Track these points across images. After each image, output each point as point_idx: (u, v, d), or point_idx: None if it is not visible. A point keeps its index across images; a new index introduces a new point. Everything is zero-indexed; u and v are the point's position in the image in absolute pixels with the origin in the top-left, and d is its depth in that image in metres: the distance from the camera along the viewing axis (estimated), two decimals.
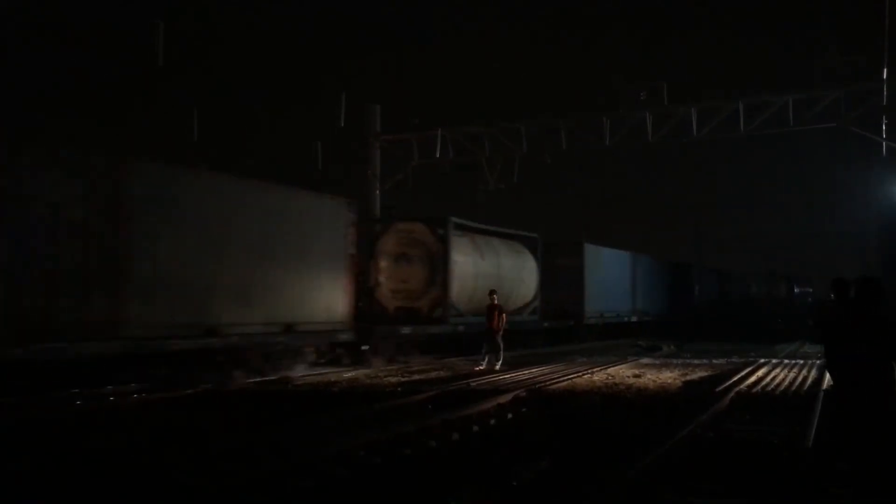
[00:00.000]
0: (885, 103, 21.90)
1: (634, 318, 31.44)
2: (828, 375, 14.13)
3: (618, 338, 28.58)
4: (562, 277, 25.75)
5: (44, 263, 11.02)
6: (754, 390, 13.33)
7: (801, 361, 19.22)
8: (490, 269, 21.21)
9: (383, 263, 19.59)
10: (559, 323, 25.61)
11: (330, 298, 16.15)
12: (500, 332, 17.26)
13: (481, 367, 16.65)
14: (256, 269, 14.26)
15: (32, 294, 10.89)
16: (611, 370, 16.93)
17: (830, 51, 22.46)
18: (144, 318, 12.14)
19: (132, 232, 12.09)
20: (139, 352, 12.14)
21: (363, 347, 17.31)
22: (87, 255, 11.51)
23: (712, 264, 49.67)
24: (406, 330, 18.65)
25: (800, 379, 15.23)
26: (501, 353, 17.20)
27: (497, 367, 16.66)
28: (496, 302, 17.62)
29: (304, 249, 15.49)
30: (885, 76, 21.57)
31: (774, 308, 51.33)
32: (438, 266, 19.36)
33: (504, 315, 17.55)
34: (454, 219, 20.04)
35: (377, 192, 27.05)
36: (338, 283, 16.42)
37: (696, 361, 19.62)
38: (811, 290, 64.92)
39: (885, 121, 22.26)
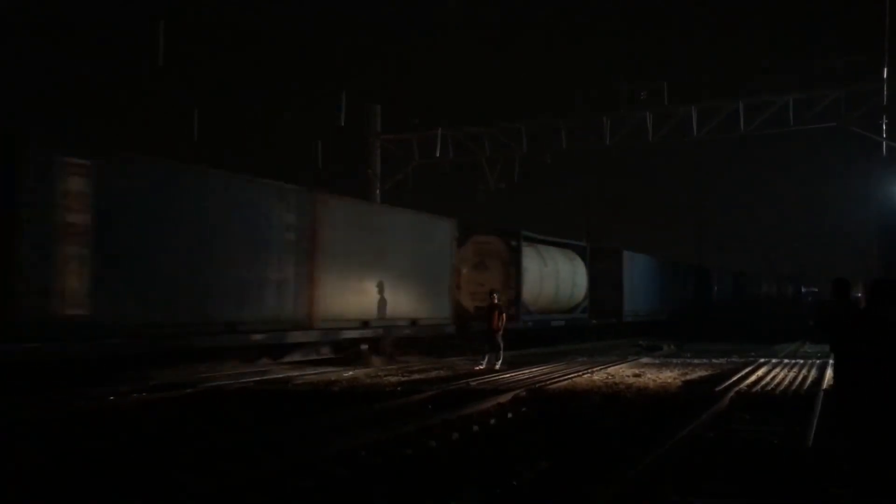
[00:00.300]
0: (885, 103, 21.91)
1: (664, 317, 34.17)
2: (828, 374, 14.18)
3: (618, 337, 28.64)
4: (603, 280, 28.49)
5: (275, 274, 14.77)
6: (754, 390, 13.33)
7: (801, 361, 19.21)
8: (551, 274, 24.79)
9: (464, 270, 22.31)
10: (603, 320, 28.47)
11: (439, 299, 19.93)
12: (501, 332, 17.26)
13: (481, 367, 16.65)
14: (402, 277, 18.45)
15: (272, 296, 14.75)
16: (611, 370, 16.93)
17: (831, 51, 22.49)
18: (328, 315, 16.15)
19: (324, 252, 16.02)
20: (327, 339, 16.38)
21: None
22: (297, 268, 15.33)
23: (713, 264, 49.94)
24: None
25: (800, 379, 15.23)
26: (501, 352, 17.20)
27: (497, 367, 16.66)
28: (496, 301, 17.62)
29: (426, 260, 19.51)
30: (885, 76, 21.57)
31: (783, 307, 51.97)
32: (511, 271, 22.61)
33: (504, 315, 17.56)
34: (525, 232, 23.51)
35: (377, 191, 27.07)
36: (444, 287, 20.20)
37: (696, 361, 19.61)
38: (816, 289, 65.13)
39: (885, 120, 22.27)
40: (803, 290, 62.17)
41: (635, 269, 31.41)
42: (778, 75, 23.86)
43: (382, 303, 17.85)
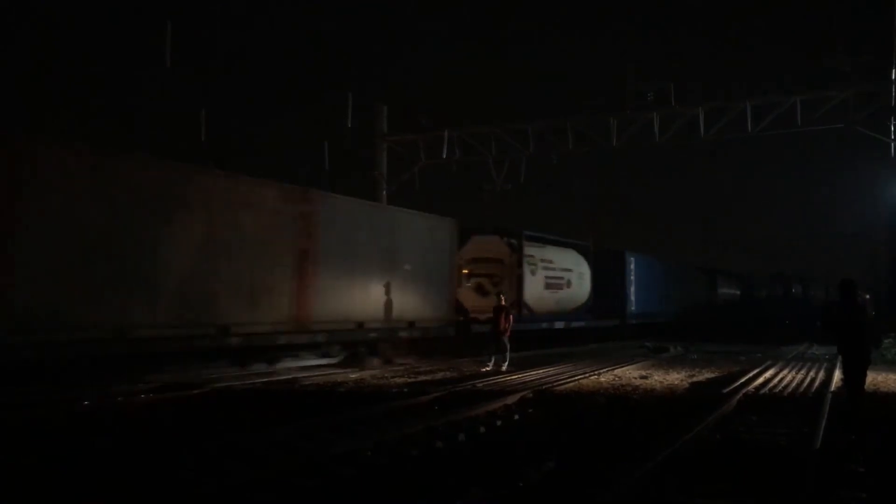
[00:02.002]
0: (893, 104, 21.80)
1: (670, 319, 34.33)
2: (836, 376, 14.13)
3: (624, 339, 28.61)
4: (607, 281, 28.58)
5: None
6: (762, 392, 13.29)
7: (809, 363, 19.16)
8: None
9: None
10: (606, 321, 28.51)
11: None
12: (508, 334, 17.24)
13: (488, 368, 16.64)
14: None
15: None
16: (617, 371, 16.91)
17: (838, 51, 22.33)
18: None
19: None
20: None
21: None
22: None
23: (720, 265, 49.91)
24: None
25: (807, 381, 15.18)
26: (508, 353, 17.18)
27: (504, 368, 16.65)
28: (503, 303, 17.60)
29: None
30: (893, 76, 21.48)
31: (790, 309, 52.00)
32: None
33: (511, 316, 17.55)
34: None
35: (384, 192, 27.05)
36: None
37: (703, 363, 19.57)
38: (823, 291, 64.97)
39: (892, 121, 22.16)
40: (811, 291, 62.01)
41: (640, 270, 31.58)
42: (785, 76, 23.77)
43: (388, 304, 17.81)
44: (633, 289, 30.56)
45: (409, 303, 18.51)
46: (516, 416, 10.24)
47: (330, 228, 16.14)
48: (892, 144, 22.24)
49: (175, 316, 12.80)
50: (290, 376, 14.63)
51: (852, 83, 22.25)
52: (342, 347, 16.91)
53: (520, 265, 22.71)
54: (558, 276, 25.08)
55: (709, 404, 11.06)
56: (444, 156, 26.34)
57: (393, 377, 15.10)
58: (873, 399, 11.83)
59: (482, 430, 9.13)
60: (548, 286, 24.28)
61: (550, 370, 16.69)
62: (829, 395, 12.03)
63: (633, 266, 30.81)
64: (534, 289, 23.47)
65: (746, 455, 7.81)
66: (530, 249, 23.50)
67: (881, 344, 20.24)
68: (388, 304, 17.77)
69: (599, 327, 27.92)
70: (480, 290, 22.18)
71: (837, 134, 23.76)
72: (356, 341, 17.04)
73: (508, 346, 17.23)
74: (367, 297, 17.21)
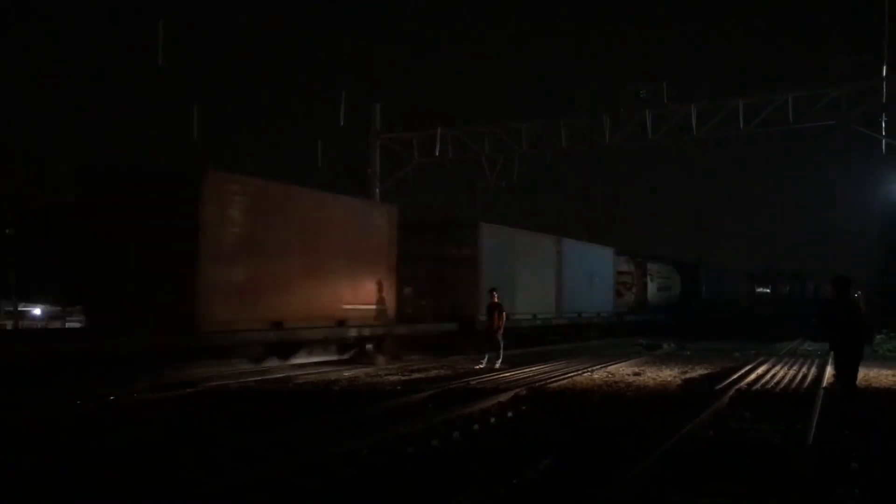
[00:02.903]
0: (884, 100, 21.89)
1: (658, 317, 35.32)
2: (828, 372, 14.19)
3: (618, 336, 28.67)
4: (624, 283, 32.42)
5: None
6: (754, 388, 13.35)
7: (801, 359, 19.24)
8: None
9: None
10: (627, 318, 31.50)
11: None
12: (501, 331, 17.26)
13: (481, 366, 16.66)
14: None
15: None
16: (611, 368, 16.95)
17: (832, 48, 22.45)
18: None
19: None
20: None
21: None
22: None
23: (714, 262, 50.09)
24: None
25: (800, 377, 15.25)
26: (501, 351, 17.20)
27: (497, 366, 16.67)
28: (497, 300, 17.60)
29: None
30: (884, 73, 21.55)
31: (783, 306, 52.55)
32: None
33: (504, 314, 17.54)
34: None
35: (377, 190, 27.06)
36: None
37: (696, 359, 19.63)
38: (813, 287, 65.23)
39: (884, 118, 22.25)
40: (804, 288, 62.26)
41: (656, 274, 35.21)
42: (778, 73, 23.89)
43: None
44: (649, 291, 34.70)
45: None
46: (510, 414, 10.26)
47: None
48: (884, 141, 22.33)
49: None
50: (283, 374, 14.61)
51: (845, 81, 22.34)
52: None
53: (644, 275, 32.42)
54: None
55: (702, 401, 11.10)
56: (438, 154, 26.37)
57: (386, 375, 15.10)
58: (865, 395, 11.89)
59: (477, 427, 9.15)
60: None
61: (544, 367, 16.73)
62: (822, 392, 12.09)
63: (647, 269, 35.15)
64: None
65: (740, 452, 7.83)
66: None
67: (873, 340, 20.35)
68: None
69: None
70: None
71: (831, 131, 23.82)
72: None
73: (501, 344, 17.25)
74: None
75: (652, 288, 34.31)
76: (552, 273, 25.08)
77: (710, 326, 34.06)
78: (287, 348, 15.46)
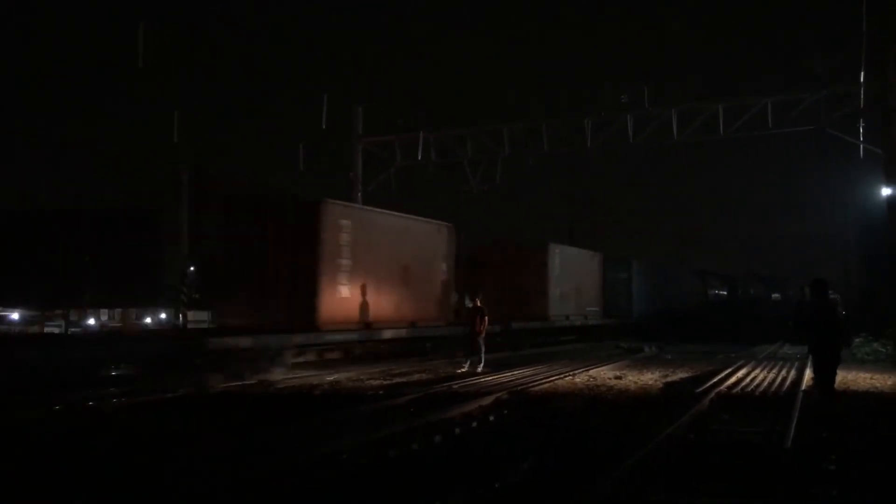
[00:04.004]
0: (862, 106, 22.09)
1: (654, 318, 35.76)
2: (807, 375, 14.30)
3: (600, 339, 28.75)
4: (612, 285, 32.42)
5: None
6: (734, 391, 13.42)
7: (780, 362, 19.37)
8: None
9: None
10: (613, 320, 31.70)
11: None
12: (483, 335, 17.25)
13: (463, 370, 16.65)
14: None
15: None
16: (592, 372, 16.98)
17: (810, 53, 22.66)
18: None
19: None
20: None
21: None
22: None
23: (691, 265, 50.43)
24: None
25: (779, 380, 15.35)
26: (483, 355, 17.19)
27: (479, 370, 16.66)
28: (479, 304, 17.60)
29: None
30: (862, 79, 21.76)
31: (762, 310, 52.74)
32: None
33: (487, 318, 17.54)
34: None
35: (359, 193, 27.00)
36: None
37: (677, 363, 19.71)
38: (791, 291, 65.82)
39: (862, 124, 22.45)
40: (781, 292, 62.78)
41: (641, 275, 35.26)
42: (757, 78, 24.11)
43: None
44: (636, 292, 34.85)
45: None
46: (492, 418, 10.25)
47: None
48: (861, 146, 22.55)
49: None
50: (262, 378, 14.51)
51: (824, 86, 22.55)
52: None
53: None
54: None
55: (683, 404, 11.14)
56: (420, 157, 26.36)
57: (368, 379, 15.05)
58: (843, 397, 11.99)
59: (458, 431, 9.14)
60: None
61: (526, 371, 16.73)
62: (801, 394, 12.18)
63: (635, 271, 35.05)
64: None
65: (720, 454, 7.87)
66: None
67: (852, 343, 20.51)
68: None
69: (641, 323, 33.00)
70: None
71: (810, 135, 24.02)
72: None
73: (483, 348, 17.24)
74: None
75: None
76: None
77: (689, 329, 34.26)
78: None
